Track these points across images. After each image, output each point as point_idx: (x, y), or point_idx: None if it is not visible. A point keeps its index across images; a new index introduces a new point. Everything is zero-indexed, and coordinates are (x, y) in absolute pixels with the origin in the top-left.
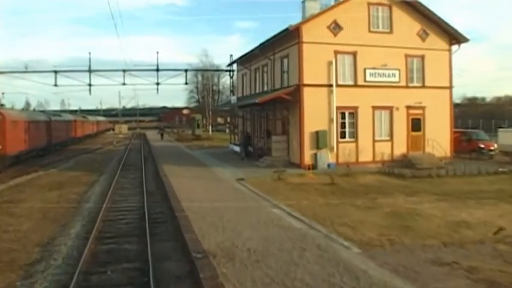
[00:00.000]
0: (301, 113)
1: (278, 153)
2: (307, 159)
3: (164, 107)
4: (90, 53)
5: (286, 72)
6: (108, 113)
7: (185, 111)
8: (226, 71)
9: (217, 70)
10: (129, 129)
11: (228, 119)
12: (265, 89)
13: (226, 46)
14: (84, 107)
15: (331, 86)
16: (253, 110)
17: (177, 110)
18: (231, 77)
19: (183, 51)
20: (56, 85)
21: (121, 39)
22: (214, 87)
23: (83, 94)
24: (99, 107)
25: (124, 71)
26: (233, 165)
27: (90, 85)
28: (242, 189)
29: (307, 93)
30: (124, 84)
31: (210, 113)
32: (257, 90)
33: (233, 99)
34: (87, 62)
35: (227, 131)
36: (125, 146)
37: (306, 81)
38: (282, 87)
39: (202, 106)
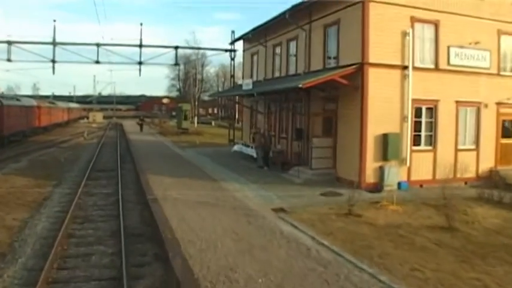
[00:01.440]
0: (363, 106)
1: (320, 163)
2: (369, 176)
3: (143, 96)
4: (55, 21)
5: (335, 46)
6: (83, 99)
7: (165, 101)
8: (227, 50)
9: (215, 49)
10: (104, 117)
11: (215, 110)
12: (294, 71)
13: (210, 36)
14: (57, 93)
15: (405, 68)
16: (268, 100)
17: (156, 99)
18: (232, 59)
19: (167, 40)
20: (9, 60)
21: (102, 26)
22: (198, 76)
23: (56, 79)
24: (73, 93)
25: (98, 45)
26: (253, 179)
27: (53, 61)
28: (297, 237)
29: (373, 77)
30: (98, 62)
31: (196, 103)
32: (279, 73)
33: (246, 83)
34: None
35: (213, 123)
36: (98, 138)
37: (371, 59)
38: (326, 68)
39: (184, 95)
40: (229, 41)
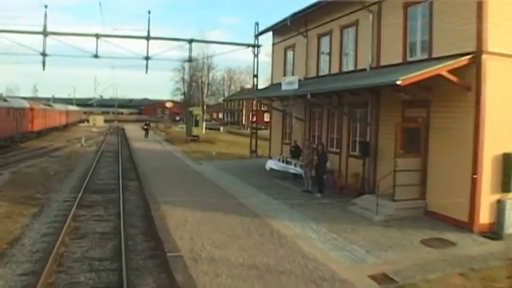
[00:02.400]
0: (477, 115)
1: (404, 193)
2: (485, 213)
3: (145, 99)
4: (46, 7)
5: (425, 30)
6: (84, 102)
7: (168, 105)
8: (249, 45)
9: (235, 44)
10: (105, 121)
11: (220, 115)
12: (352, 66)
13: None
14: (58, 96)
15: None
16: (309, 105)
17: (159, 103)
18: (256, 55)
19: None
20: None
21: (106, 27)
22: (204, 79)
23: (56, 81)
24: (73, 96)
25: (97, 36)
26: (311, 215)
27: (44, 55)
28: None
29: (494, 73)
30: (96, 56)
31: (205, 108)
32: (327, 71)
33: (289, 82)
34: (70, 51)
35: (221, 129)
36: (97, 145)
37: (492, 47)
38: (409, 61)
39: (189, 99)
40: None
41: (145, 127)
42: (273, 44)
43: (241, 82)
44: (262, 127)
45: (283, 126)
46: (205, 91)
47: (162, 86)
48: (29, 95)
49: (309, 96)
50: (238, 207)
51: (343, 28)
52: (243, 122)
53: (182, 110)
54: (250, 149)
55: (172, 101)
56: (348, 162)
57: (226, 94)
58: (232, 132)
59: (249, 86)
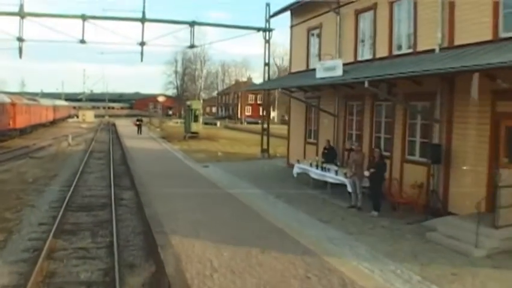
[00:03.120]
0: None
1: (509, 217)
2: None
3: (137, 93)
4: None
5: None
6: (74, 97)
7: (161, 99)
8: (260, 29)
9: (243, 27)
10: (96, 116)
11: (213, 109)
12: (406, 47)
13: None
14: (47, 91)
15: None
16: (343, 97)
17: (151, 97)
18: (267, 41)
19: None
20: None
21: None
22: (198, 72)
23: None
24: (61, 90)
25: (84, 17)
26: (384, 250)
27: (20, 40)
28: None
29: None
30: (83, 41)
31: (201, 101)
32: (372, 55)
33: (328, 67)
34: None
35: (218, 124)
36: (85, 144)
37: None
38: (503, 38)
39: (182, 93)
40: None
41: (137, 123)
42: (292, 26)
43: (236, 75)
44: (259, 121)
45: (306, 123)
46: (201, 84)
47: (153, 80)
48: (17, 89)
49: (366, 85)
50: (277, 236)
51: (393, 1)
52: (239, 116)
53: (175, 104)
54: (262, 148)
55: (165, 95)
56: (403, 169)
57: (220, 88)
58: (230, 127)
59: (244, 79)
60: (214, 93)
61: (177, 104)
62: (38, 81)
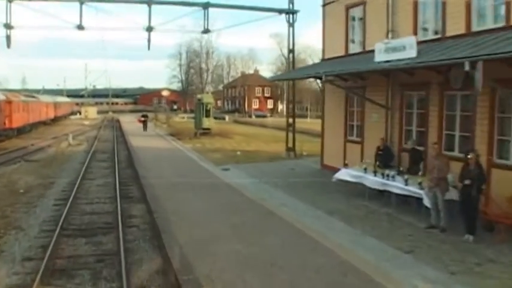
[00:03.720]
0: None
1: None
2: None
3: (141, 88)
4: None
5: None
6: (76, 93)
7: (165, 93)
8: (282, 11)
9: (263, 9)
10: (99, 112)
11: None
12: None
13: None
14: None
15: None
16: (399, 86)
17: (156, 92)
18: (291, 24)
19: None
20: None
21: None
22: (203, 65)
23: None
24: (63, 86)
25: (81, 1)
26: None
27: (8, 27)
28: None
29: None
30: (81, 27)
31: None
32: (441, 32)
33: (398, 46)
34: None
35: (227, 118)
36: (87, 144)
37: None
38: None
39: (187, 87)
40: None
41: (142, 119)
42: (324, 5)
43: (243, 67)
44: (268, 115)
45: (346, 117)
46: (206, 77)
47: (157, 74)
48: (18, 87)
49: (466, 68)
50: (359, 282)
51: None
52: (246, 110)
53: (179, 98)
54: (287, 146)
55: (169, 89)
56: (491, 177)
57: (226, 81)
58: (240, 121)
59: (251, 71)
60: (220, 87)
61: (182, 98)
62: (39, 78)
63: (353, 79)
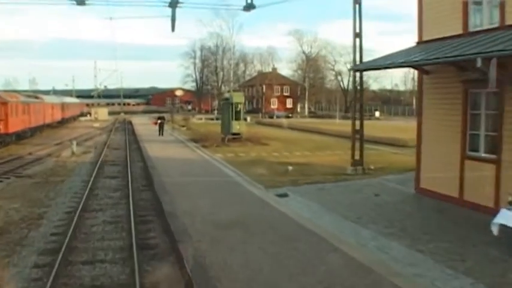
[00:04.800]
0: None
1: None
2: None
3: (153, 88)
4: None
5: None
6: (87, 94)
7: (178, 93)
8: None
9: None
10: (110, 113)
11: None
12: None
13: None
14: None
15: None
16: None
17: (169, 92)
18: (358, 2)
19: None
20: None
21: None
22: (220, 63)
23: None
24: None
25: None
26: None
27: None
28: None
29: None
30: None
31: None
32: None
33: None
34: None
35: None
36: (95, 153)
37: None
38: None
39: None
40: None
41: (158, 121)
42: None
43: (262, 64)
44: (290, 115)
45: (466, 123)
46: (222, 76)
47: (170, 74)
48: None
49: None
50: None
51: None
52: (263, 110)
53: (193, 98)
54: (353, 160)
55: (182, 89)
56: None
57: (241, 80)
58: (264, 123)
59: (269, 69)
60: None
61: (197, 98)
62: (50, 79)
63: (471, 70)
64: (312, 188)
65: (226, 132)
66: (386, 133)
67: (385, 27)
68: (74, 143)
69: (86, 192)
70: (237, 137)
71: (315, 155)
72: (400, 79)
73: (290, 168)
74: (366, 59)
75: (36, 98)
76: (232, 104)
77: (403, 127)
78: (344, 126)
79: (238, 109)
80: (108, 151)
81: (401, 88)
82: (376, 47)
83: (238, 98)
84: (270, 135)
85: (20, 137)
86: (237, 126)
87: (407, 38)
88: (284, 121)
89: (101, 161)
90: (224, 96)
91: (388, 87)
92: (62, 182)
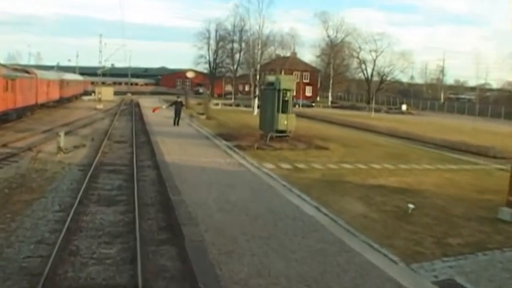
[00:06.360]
0: None
1: None
2: None
3: (163, 68)
4: None
5: None
6: (93, 71)
7: (190, 74)
8: None
9: None
10: (116, 93)
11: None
12: None
13: None
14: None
15: None
16: None
17: (179, 72)
18: None
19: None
20: None
21: None
22: (235, 45)
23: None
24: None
25: None
26: None
27: None
28: None
29: None
30: None
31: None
32: None
33: None
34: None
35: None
36: (91, 147)
37: None
38: None
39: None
40: None
41: (172, 105)
42: None
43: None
44: (313, 104)
45: None
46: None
47: (181, 55)
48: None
49: None
50: None
51: None
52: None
53: (205, 81)
54: (509, 199)
55: (194, 71)
56: None
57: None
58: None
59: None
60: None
61: (210, 80)
62: (55, 56)
63: None
64: (484, 263)
65: (268, 128)
66: (452, 136)
67: None
68: (62, 134)
69: (60, 238)
70: (283, 136)
71: (403, 171)
72: (417, 71)
73: (411, 207)
74: None
75: (27, 72)
76: (279, 91)
77: (457, 126)
78: (386, 121)
79: (287, 98)
80: (108, 146)
81: (418, 81)
82: None
83: (288, 83)
84: (317, 131)
85: (0, 120)
86: (284, 121)
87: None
88: (321, 111)
89: (95, 164)
90: (267, 80)
91: (404, 79)
92: (27, 206)
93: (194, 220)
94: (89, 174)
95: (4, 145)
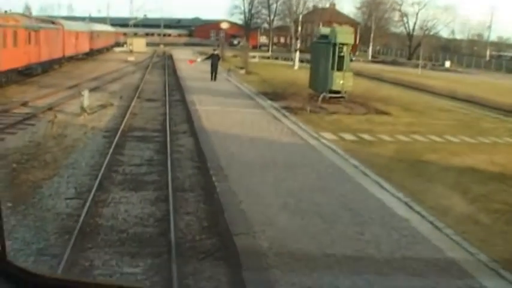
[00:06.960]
0: None
1: None
2: None
3: (196, 19)
4: None
5: None
6: (125, 22)
7: (224, 26)
8: None
9: None
10: (149, 45)
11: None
12: None
13: None
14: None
15: None
16: None
17: (213, 23)
18: None
19: None
20: None
21: None
22: None
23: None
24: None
25: None
26: None
27: None
28: None
29: None
30: None
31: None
32: None
33: None
34: None
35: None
36: (118, 103)
37: None
38: None
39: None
40: None
41: (208, 58)
42: None
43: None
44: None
45: None
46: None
47: (215, 6)
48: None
49: None
50: None
51: None
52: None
53: (240, 33)
54: None
55: (229, 22)
56: None
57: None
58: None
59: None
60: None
61: (245, 32)
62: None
63: None
64: None
65: (320, 88)
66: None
67: None
68: (85, 93)
69: (65, 256)
70: (338, 97)
71: (486, 146)
72: (458, 26)
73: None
74: None
75: (53, 23)
76: (334, 45)
77: None
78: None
79: (343, 54)
80: (138, 105)
81: (458, 36)
82: None
83: (345, 36)
84: (370, 92)
85: (23, 74)
86: (339, 81)
87: None
88: (363, 66)
89: (122, 129)
90: (320, 32)
91: (444, 34)
92: (34, 191)
93: (250, 226)
94: (114, 142)
95: (23, 104)
